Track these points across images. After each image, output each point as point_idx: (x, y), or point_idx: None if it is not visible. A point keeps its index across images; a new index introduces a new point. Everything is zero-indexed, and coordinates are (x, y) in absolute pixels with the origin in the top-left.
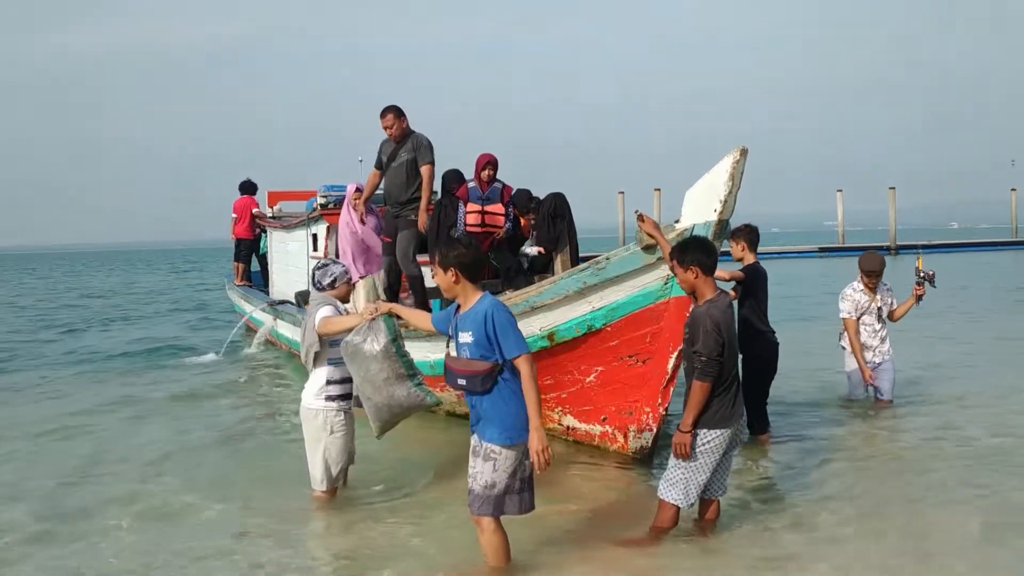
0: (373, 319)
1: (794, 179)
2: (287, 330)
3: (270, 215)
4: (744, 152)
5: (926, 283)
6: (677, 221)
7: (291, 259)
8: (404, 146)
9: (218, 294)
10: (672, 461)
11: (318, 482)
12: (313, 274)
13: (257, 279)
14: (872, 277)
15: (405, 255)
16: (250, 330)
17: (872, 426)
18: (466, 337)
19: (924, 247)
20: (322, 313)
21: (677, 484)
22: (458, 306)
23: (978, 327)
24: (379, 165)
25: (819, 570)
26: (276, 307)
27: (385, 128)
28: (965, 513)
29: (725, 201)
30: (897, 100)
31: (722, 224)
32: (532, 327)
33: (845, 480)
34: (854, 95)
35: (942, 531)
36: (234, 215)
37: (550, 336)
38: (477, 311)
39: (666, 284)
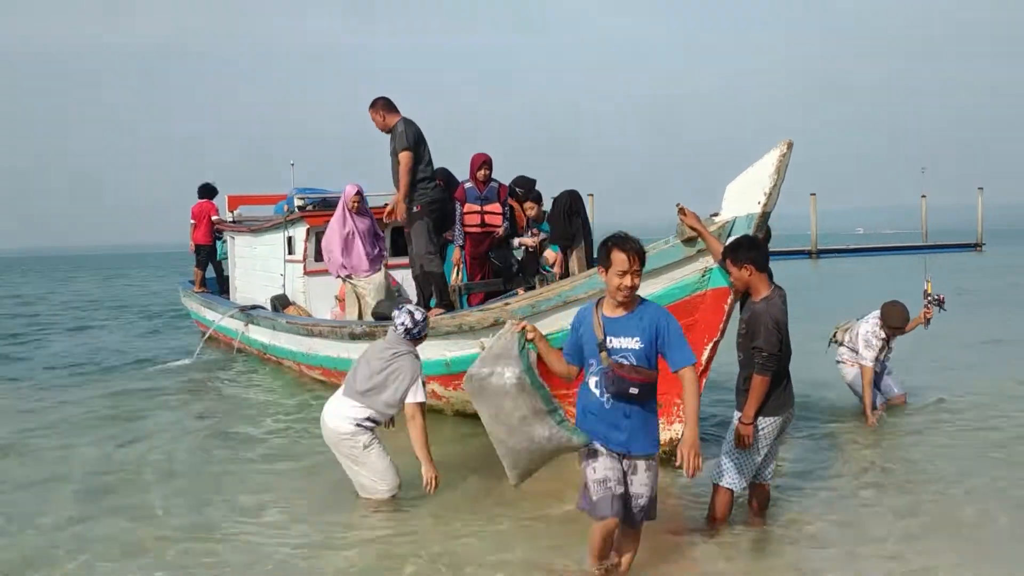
0: (498, 342)
1: (701, 186)
2: (261, 335)
3: (230, 219)
4: (790, 145)
5: (935, 306)
6: (715, 214)
7: (259, 263)
8: (391, 139)
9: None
10: (725, 448)
11: (367, 490)
12: (415, 323)
13: (212, 285)
14: (897, 332)
15: (421, 253)
16: (212, 338)
17: (881, 420)
18: (630, 343)
19: (894, 245)
20: (420, 392)
21: (731, 469)
22: (593, 309)
23: (962, 327)
24: None
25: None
26: (248, 312)
27: (374, 125)
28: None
29: (770, 194)
30: (812, 106)
31: (765, 217)
32: (563, 322)
33: (864, 472)
34: (769, 103)
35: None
36: (192, 221)
37: None
38: (645, 315)
39: (704, 276)
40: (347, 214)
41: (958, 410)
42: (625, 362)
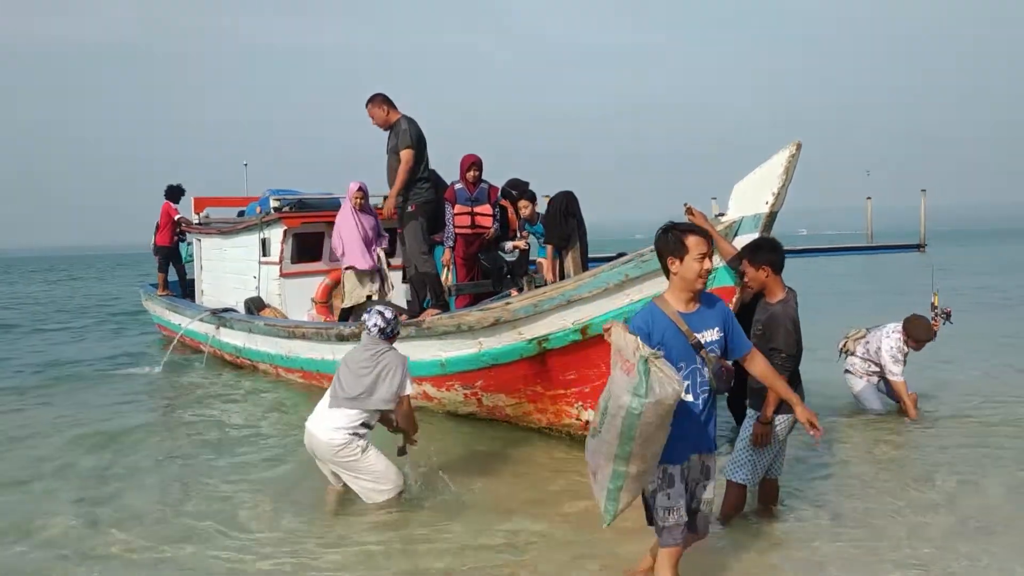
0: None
1: (638, 187)
2: (234, 338)
3: (196, 221)
4: (799, 146)
5: (943, 319)
6: (720, 215)
7: (230, 266)
8: (390, 135)
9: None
10: (739, 444)
11: (372, 494)
12: (388, 323)
13: (175, 288)
14: (923, 345)
15: (415, 252)
16: (176, 342)
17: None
18: (714, 335)
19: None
20: (410, 385)
21: (745, 465)
22: (659, 309)
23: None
24: None
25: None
26: (220, 315)
27: (370, 119)
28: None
29: (778, 194)
30: (753, 107)
31: (772, 217)
32: (564, 321)
33: (870, 468)
34: (706, 105)
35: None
36: (158, 221)
37: (583, 330)
38: (715, 304)
39: (710, 275)
40: (352, 211)
41: (963, 409)
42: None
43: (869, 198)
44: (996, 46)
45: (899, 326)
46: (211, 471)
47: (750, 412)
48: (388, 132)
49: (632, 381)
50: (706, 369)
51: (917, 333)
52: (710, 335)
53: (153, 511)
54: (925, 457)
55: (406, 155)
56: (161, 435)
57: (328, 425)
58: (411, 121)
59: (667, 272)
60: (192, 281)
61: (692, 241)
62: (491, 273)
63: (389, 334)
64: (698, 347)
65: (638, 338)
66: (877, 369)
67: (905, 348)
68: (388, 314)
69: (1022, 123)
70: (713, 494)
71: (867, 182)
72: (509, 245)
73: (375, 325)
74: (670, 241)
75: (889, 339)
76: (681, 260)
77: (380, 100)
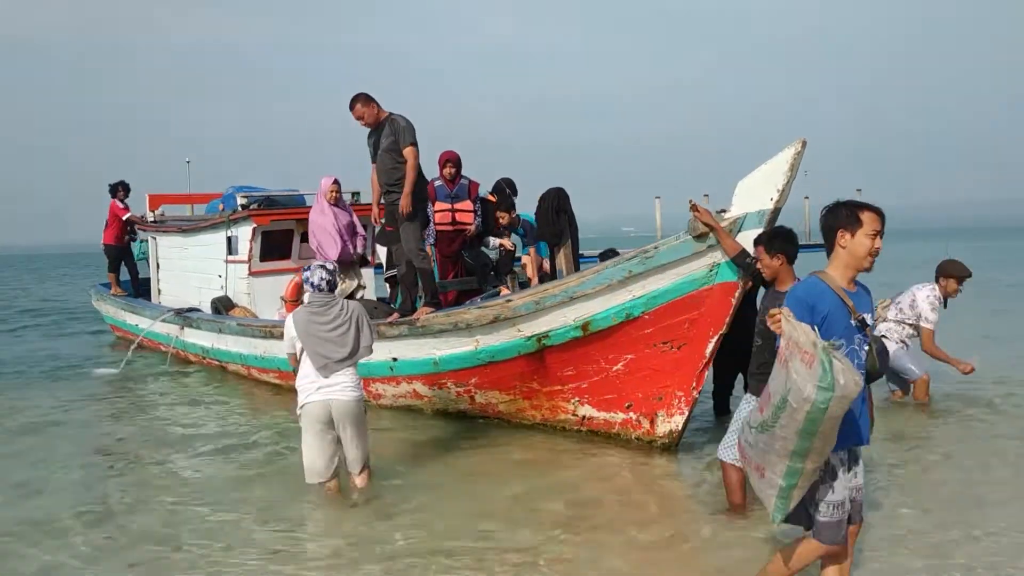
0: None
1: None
2: (202, 338)
3: (151, 219)
4: (804, 144)
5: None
6: (722, 211)
7: (193, 265)
8: (383, 132)
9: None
10: (734, 427)
11: (364, 459)
12: (332, 273)
13: (127, 288)
14: (961, 282)
15: (412, 249)
16: (127, 340)
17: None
18: (869, 319)
19: None
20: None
21: (734, 445)
22: (824, 283)
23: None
24: (373, 159)
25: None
26: (186, 315)
27: (357, 119)
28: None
29: (783, 190)
30: (693, 109)
31: (776, 213)
32: (565, 318)
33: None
34: (645, 105)
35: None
36: (106, 219)
37: (584, 326)
38: (870, 294)
39: (711, 271)
40: (327, 206)
41: (973, 398)
42: None
43: (807, 198)
44: (926, 48)
45: (924, 284)
46: (199, 483)
47: (747, 396)
48: (375, 131)
49: (815, 373)
50: (863, 351)
51: (956, 270)
52: (867, 319)
53: (152, 531)
54: (934, 441)
55: (413, 152)
56: (134, 442)
57: (346, 387)
58: (406, 118)
59: (831, 248)
60: (146, 280)
61: (867, 216)
62: (475, 270)
63: (336, 284)
64: (862, 325)
65: (814, 328)
66: (911, 331)
67: (939, 294)
68: (329, 266)
69: (961, 126)
70: (863, 479)
71: (805, 182)
72: (494, 242)
73: (322, 279)
74: (842, 214)
75: (923, 290)
76: (853, 234)
77: (366, 99)
